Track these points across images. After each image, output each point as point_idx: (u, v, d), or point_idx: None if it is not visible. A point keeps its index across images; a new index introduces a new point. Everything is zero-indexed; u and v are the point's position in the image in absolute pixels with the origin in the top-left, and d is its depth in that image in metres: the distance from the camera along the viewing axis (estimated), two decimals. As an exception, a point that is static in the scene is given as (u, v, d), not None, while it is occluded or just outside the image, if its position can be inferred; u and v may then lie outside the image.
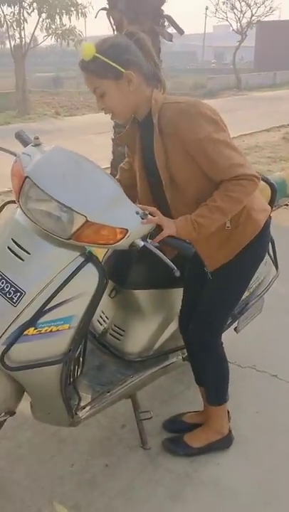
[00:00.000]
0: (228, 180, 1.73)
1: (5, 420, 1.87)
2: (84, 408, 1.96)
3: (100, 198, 1.59)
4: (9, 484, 2.04)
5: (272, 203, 2.39)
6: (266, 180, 2.35)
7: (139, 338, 2.26)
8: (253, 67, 36.72)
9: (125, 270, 2.16)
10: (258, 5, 28.89)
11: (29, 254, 1.62)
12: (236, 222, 1.86)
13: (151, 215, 1.68)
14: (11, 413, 1.83)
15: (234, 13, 29.04)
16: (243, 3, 28.57)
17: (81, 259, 1.63)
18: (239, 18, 28.93)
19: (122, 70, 1.71)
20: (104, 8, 4.39)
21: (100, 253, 2.12)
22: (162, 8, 4.39)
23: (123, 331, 2.27)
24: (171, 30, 4.50)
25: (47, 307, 1.60)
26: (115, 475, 2.10)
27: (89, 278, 1.65)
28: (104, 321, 2.37)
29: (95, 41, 1.74)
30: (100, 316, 2.38)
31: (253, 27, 30.25)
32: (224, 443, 2.21)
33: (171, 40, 4.39)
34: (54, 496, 1.99)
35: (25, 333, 1.60)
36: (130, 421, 2.35)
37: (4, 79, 21.25)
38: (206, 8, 45.49)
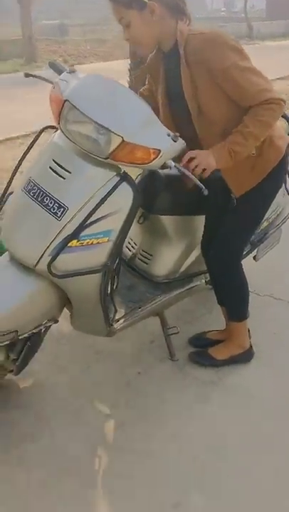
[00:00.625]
0: (257, 105, 1.83)
1: (50, 326, 2.05)
2: (118, 321, 2.16)
3: (134, 119, 1.72)
4: (52, 387, 2.27)
5: None
6: (284, 116, 2.46)
7: (165, 261, 2.44)
8: (264, 15, 35.64)
9: (153, 197, 2.28)
10: None
11: (70, 173, 1.77)
12: (260, 149, 1.98)
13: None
14: (55, 320, 2.02)
15: None
16: None
17: (117, 179, 1.78)
18: None
19: (145, 0, 1.80)
20: None
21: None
22: None
23: (150, 255, 2.45)
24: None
25: (88, 221, 1.76)
26: (148, 380, 2.32)
27: (124, 196, 1.80)
28: (132, 246, 2.56)
29: None
30: (129, 243, 2.56)
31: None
32: (246, 356, 2.43)
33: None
34: (94, 396, 2.23)
35: (69, 244, 1.76)
36: (158, 337, 2.57)
37: (8, 26, 20.80)
38: None
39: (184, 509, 1.76)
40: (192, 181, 1.78)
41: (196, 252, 2.48)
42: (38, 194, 1.78)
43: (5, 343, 1.82)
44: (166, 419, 2.12)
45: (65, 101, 1.71)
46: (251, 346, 2.45)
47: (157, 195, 2.30)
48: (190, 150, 1.90)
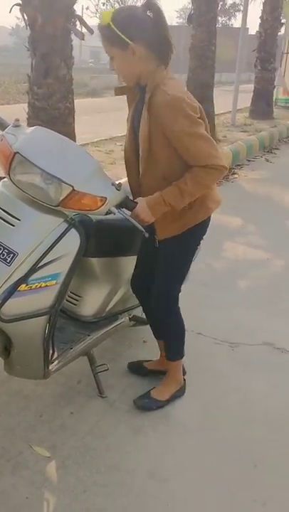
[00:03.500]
0: (199, 167, 1.97)
1: None
2: (53, 362, 2.21)
3: (83, 169, 1.87)
4: (-14, 436, 2.24)
5: None
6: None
7: (93, 301, 2.54)
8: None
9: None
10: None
11: (19, 220, 1.86)
12: (191, 204, 2.12)
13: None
14: None
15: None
16: (122, 5, 29.29)
17: (65, 225, 1.90)
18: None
19: (129, 41, 1.91)
20: (18, 4, 4.55)
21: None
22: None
23: (79, 296, 2.54)
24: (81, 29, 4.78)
25: (37, 266, 1.84)
26: (81, 419, 2.38)
27: (72, 241, 1.92)
28: None
29: (117, 8, 2.00)
30: None
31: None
32: (182, 391, 2.57)
33: (83, 39, 4.68)
34: (30, 440, 2.23)
35: (18, 289, 1.83)
36: (84, 377, 2.64)
37: None
38: (87, 8, 45.65)
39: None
40: (135, 225, 1.97)
41: (122, 291, 2.61)
42: None
43: None
44: (105, 454, 2.19)
45: (16, 153, 1.80)
46: (184, 380, 2.60)
47: (88, 240, 2.41)
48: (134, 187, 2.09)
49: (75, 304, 2.55)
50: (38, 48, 4.63)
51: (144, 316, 2.65)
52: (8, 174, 1.87)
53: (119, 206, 1.97)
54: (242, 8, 10.98)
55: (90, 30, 4.77)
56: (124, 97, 2.21)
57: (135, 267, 2.51)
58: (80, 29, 4.80)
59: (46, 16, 4.46)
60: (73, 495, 1.98)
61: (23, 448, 2.18)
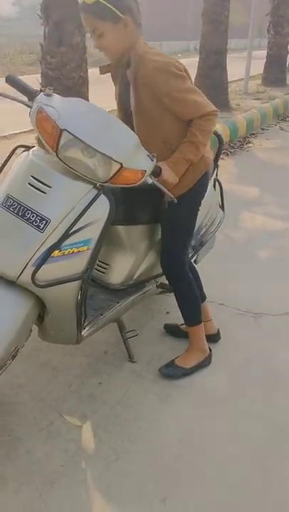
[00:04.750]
0: (198, 118, 2.12)
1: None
2: (85, 328, 2.25)
3: (127, 146, 1.89)
4: (17, 406, 2.27)
5: (219, 154, 2.78)
6: (215, 133, 2.71)
7: (121, 269, 2.56)
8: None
9: None
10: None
11: (50, 187, 1.87)
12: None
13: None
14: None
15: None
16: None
17: (95, 192, 1.91)
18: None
19: (121, 15, 1.98)
20: None
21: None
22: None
23: (107, 264, 2.57)
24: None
25: (69, 232, 1.86)
26: (110, 389, 2.40)
27: (102, 207, 1.94)
28: None
29: None
30: None
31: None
32: (208, 360, 2.59)
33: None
34: (61, 410, 2.26)
35: (52, 255, 1.86)
36: (110, 347, 2.68)
37: None
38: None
39: (172, 503, 1.87)
40: (164, 192, 2.05)
41: (148, 259, 2.61)
42: (18, 209, 1.85)
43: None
44: (136, 423, 2.22)
45: (63, 130, 1.79)
46: (210, 349, 2.62)
47: (116, 207, 2.42)
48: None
49: (103, 273, 2.57)
50: (51, 16, 4.54)
51: None
52: (55, 151, 1.85)
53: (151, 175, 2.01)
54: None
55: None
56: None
57: (162, 235, 2.51)
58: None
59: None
60: (106, 463, 2.01)
61: (54, 417, 2.22)
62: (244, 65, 10.84)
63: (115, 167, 1.84)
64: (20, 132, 6.88)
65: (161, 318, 2.96)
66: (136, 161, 1.89)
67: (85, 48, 4.83)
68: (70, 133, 1.79)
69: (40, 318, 2.09)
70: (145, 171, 1.92)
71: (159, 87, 2.05)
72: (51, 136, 1.82)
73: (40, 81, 4.92)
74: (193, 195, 2.36)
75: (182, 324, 2.70)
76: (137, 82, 2.08)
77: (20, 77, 2.04)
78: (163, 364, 2.54)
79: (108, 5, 1.95)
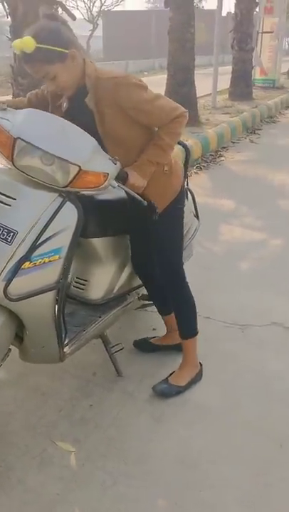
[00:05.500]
0: (170, 120, 2.08)
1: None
2: (67, 345, 2.20)
3: (85, 148, 1.87)
4: (8, 435, 2.19)
5: (187, 163, 2.78)
6: (181, 143, 2.72)
7: (100, 284, 2.53)
8: (102, 56, 37.30)
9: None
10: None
11: (14, 199, 1.85)
12: (170, 167, 2.24)
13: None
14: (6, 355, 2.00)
15: (84, 1, 29.42)
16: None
17: (60, 199, 1.89)
18: (89, 7, 29.37)
19: (66, 51, 1.92)
20: (-4, -7, 4.43)
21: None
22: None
23: (86, 280, 2.53)
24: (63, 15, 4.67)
25: (38, 242, 1.84)
26: (102, 411, 2.35)
27: (69, 214, 1.91)
28: None
29: (28, 33, 1.88)
30: None
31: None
32: (199, 376, 2.56)
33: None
34: (53, 436, 2.19)
35: (22, 267, 1.82)
36: (98, 368, 2.63)
37: None
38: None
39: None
40: (133, 196, 2.03)
41: (127, 270, 2.59)
42: None
43: None
44: (131, 444, 2.17)
45: (16, 138, 1.79)
46: (201, 364, 2.59)
47: (87, 220, 2.38)
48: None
49: (82, 289, 2.54)
50: (20, 37, 4.50)
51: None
52: (11, 160, 1.85)
53: (116, 179, 1.98)
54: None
55: (73, 17, 4.66)
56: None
57: (130, 246, 2.51)
58: (61, 16, 4.67)
59: (28, 4, 4.34)
60: (103, 488, 1.95)
61: (47, 444, 2.15)
62: (210, 81, 10.99)
63: (74, 170, 1.81)
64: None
65: (148, 335, 2.92)
66: (96, 163, 1.86)
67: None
68: (23, 140, 1.80)
69: (20, 339, 2.05)
70: (107, 173, 1.88)
71: (123, 101, 2.01)
72: (5, 146, 1.83)
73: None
74: (179, 204, 2.35)
75: (152, 338, 2.76)
76: (101, 104, 2.02)
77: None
78: (155, 383, 2.49)
79: (51, 47, 1.87)
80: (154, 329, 2.97)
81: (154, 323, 2.99)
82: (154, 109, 2.06)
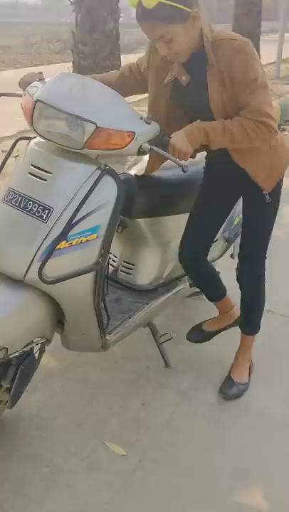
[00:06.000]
0: (254, 120, 1.77)
1: (44, 348, 1.93)
2: (111, 332, 2.08)
3: (106, 106, 1.70)
4: (56, 431, 2.08)
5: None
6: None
7: (148, 268, 2.39)
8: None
9: (130, 202, 2.19)
10: None
11: (50, 173, 1.71)
12: (277, 141, 1.96)
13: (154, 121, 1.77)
14: (48, 340, 1.89)
15: None
16: None
17: (98, 172, 1.73)
18: None
19: (189, 9, 1.67)
20: None
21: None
22: None
23: (133, 264, 2.40)
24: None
25: (74, 220, 1.69)
26: (154, 411, 2.20)
27: (108, 188, 1.75)
28: (113, 260, 2.47)
29: None
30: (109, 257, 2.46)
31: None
32: (252, 368, 2.42)
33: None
34: (103, 436, 2.07)
35: (58, 247, 1.67)
36: (152, 362, 2.48)
37: None
38: None
39: None
40: (173, 160, 1.77)
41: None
42: (20, 201, 1.70)
43: None
44: (184, 451, 2.02)
45: (36, 101, 1.68)
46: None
47: (134, 199, 2.23)
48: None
49: (130, 274, 2.40)
50: (83, 2, 4.29)
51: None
52: (31, 125, 1.72)
53: (152, 143, 1.76)
54: None
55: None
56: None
57: (185, 229, 2.26)
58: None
59: None
60: (156, 500, 1.82)
61: (96, 445, 2.03)
62: (273, 49, 10.41)
63: (89, 128, 1.64)
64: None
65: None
66: (118, 121, 1.68)
67: (118, 35, 4.59)
68: (42, 102, 1.66)
69: (62, 326, 1.93)
70: (134, 132, 1.68)
71: (236, 70, 1.72)
72: (27, 111, 1.71)
73: (71, 70, 4.70)
74: (280, 188, 2.09)
75: (204, 322, 2.59)
76: (220, 67, 1.74)
77: (43, 68, 1.90)
78: (212, 381, 2.35)
79: (174, 4, 1.63)
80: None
81: (209, 314, 2.78)
82: (257, 96, 1.75)
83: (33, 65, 13.70)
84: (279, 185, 2.07)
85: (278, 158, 2.02)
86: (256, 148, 1.91)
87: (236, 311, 2.48)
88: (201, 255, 2.29)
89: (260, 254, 2.20)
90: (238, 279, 2.28)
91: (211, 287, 2.44)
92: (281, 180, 2.07)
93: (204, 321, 2.59)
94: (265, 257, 2.22)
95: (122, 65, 4.63)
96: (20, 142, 1.94)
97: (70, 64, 4.81)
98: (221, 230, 2.59)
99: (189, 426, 2.14)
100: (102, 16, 4.33)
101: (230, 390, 2.29)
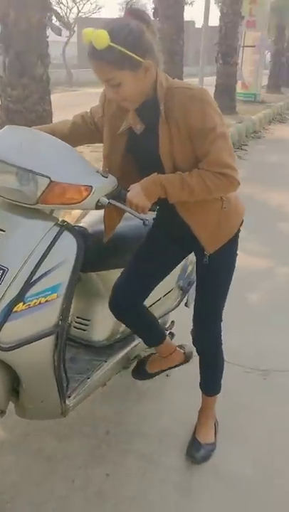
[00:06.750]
0: (214, 172, 1.70)
1: None
2: (70, 396, 1.94)
3: (59, 159, 1.64)
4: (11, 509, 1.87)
5: None
6: None
7: (104, 323, 2.28)
8: (76, 62, 36.95)
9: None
10: (84, 2, 29.43)
11: (3, 231, 1.61)
12: (229, 203, 1.89)
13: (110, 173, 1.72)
14: (2, 412, 1.72)
15: (61, 7, 29.27)
16: (69, -1, 28.84)
17: (57, 229, 1.65)
18: (66, 14, 29.21)
19: (141, 59, 1.60)
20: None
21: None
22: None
23: (88, 320, 2.28)
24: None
25: (32, 279, 1.58)
26: (120, 482, 2.04)
27: (68, 245, 1.67)
28: None
29: (105, 27, 1.56)
30: None
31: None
32: (217, 428, 2.32)
33: (60, 34, 4.30)
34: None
35: (14, 309, 1.56)
36: (111, 426, 2.33)
37: None
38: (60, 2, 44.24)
39: None
40: (132, 214, 1.72)
41: None
42: None
43: None
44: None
45: None
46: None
47: (86, 252, 2.11)
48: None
49: (84, 330, 2.29)
50: (11, 46, 4.21)
51: None
52: None
53: (110, 197, 1.69)
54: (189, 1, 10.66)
55: (57, 31, 4.38)
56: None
57: (123, 278, 2.08)
58: (56, 24, 4.39)
59: (19, 10, 4.03)
60: None
61: (61, 527, 1.83)
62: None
63: (43, 183, 1.56)
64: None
65: (163, 382, 2.63)
66: (74, 175, 1.62)
67: (49, 80, 4.53)
68: None
69: (16, 393, 1.77)
70: (91, 186, 1.62)
71: (193, 118, 1.66)
72: None
73: (-1, 115, 4.57)
74: (233, 246, 2.01)
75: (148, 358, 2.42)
76: (168, 119, 1.69)
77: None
78: (176, 442, 2.23)
79: (125, 51, 1.55)
80: (167, 375, 2.67)
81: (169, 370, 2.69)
82: (215, 146, 1.67)
83: None
84: (228, 248, 1.98)
85: (228, 221, 1.94)
86: (206, 206, 1.84)
87: (177, 355, 2.35)
88: (133, 304, 2.10)
89: (214, 316, 2.11)
90: (193, 343, 2.20)
91: (146, 333, 2.24)
92: (231, 242, 1.98)
93: (148, 359, 2.41)
94: (220, 319, 2.13)
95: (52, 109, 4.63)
96: None
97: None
98: (176, 278, 2.54)
99: (159, 497, 1.99)
100: (32, 61, 4.26)
101: (197, 452, 2.17)
